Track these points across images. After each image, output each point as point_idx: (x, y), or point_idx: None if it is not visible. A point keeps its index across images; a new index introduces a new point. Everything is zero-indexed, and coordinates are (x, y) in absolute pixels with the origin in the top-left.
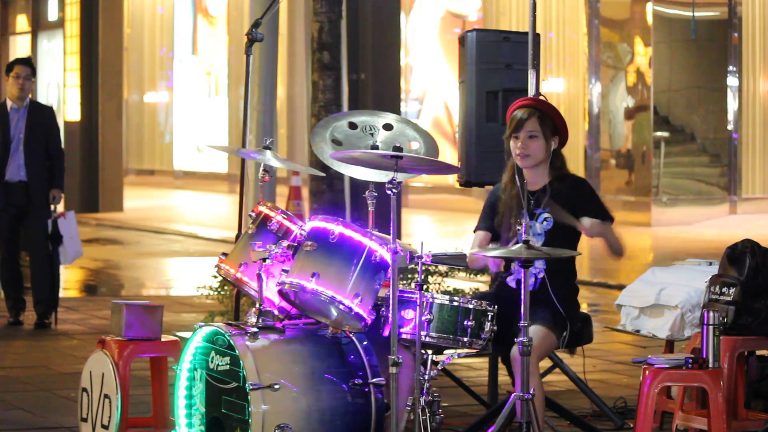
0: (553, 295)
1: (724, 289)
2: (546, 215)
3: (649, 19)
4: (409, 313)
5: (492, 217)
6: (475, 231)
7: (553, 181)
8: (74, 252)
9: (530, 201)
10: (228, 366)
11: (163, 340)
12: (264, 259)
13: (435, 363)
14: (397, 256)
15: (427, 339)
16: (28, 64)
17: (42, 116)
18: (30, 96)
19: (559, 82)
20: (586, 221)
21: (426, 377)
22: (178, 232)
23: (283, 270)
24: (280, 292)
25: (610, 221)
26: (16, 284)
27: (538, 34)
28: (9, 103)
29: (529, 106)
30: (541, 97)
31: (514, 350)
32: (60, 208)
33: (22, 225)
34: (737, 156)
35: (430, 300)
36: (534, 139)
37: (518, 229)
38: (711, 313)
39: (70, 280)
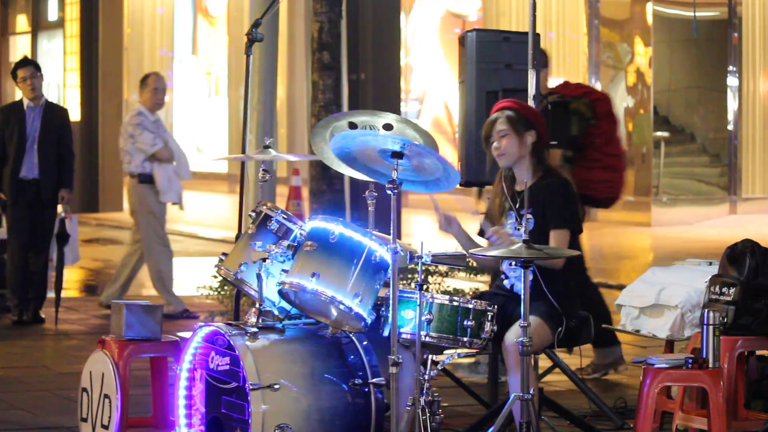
0: (548, 291)
1: (724, 289)
2: (528, 216)
3: (649, 19)
4: (409, 313)
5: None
6: (478, 234)
7: (537, 180)
8: (74, 255)
9: (516, 201)
10: (228, 366)
11: (163, 340)
12: (264, 259)
13: (435, 363)
14: (397, 256)
15: (427, 339)
16: (30, 64)
17: (57, 117)
18: (45, 97)
19: (559, 82)
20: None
21: (426, 377)
22: (178, 232)
23: (283, 270)
24: (280, 292)
25: (565, 228)
26: (25, 284)
27: (538, 34)
28: (25, 102)
29: (497, 110)
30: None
31: (507, 341)
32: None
33: (29, 223)
34: (737, 156)
35: (430, 300)
36: (505, 137)
37: (509, 231)
38: (711, 313)
39: (70, 280)
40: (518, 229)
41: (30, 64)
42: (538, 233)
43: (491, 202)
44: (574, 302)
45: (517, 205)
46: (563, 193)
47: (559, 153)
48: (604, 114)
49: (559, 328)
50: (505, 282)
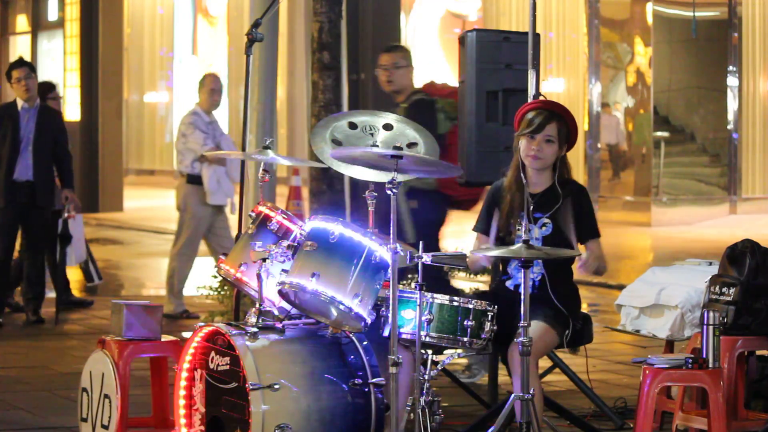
0: (553, 294)
1: (724, 289)
2: (546, 221)
3: (649, 19)
4: (409, 313)
5: (490, 216)
6: (473, 229)
7: (554, 185)
8: (78, 255)
9: (531, 204)
10: (228, 366)
11: (163, 340)
12: (264, 259)
13: (435, 363)
14: (397, 256)
15: (427, 339)
16: (24, 65)
17: (51, 119)
18: (39, 99)
19: (559, 82)
20: (589, 255)
21: (426, 377)
22: None
23: (283, 270)
24: (280, 292)
25: (597, 237)
26: (5, 287)
27: (538, 34)
28: (20, 103)
29: (550, 111)
30: (541, 98)
31: (513, 348)
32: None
33: (23, 225)
34: (737, 156)
35: (430, 300)
36: (550, 144)
37: (518, 231)
38: (711, 313)
39: (70, 280)
40: (527, 231)
41: (25, 65)
42: (555, 238)
43: (502, 200)
44: (578, 302)
45: (531, 208)
46: (587, 202)
47: None
48: None
49: (567, 331)
50: (508, 283)
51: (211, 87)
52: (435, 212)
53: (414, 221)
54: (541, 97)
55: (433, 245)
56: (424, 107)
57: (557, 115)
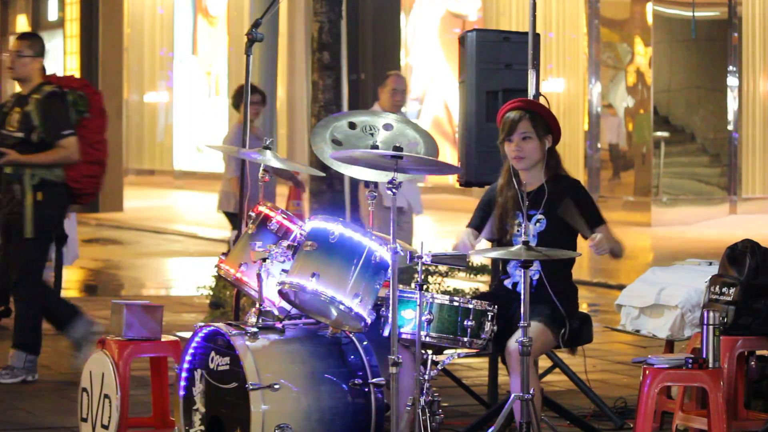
0: (552, 293)
1: (724, 289)
2: (540, 217)
3: (649, 19)
4: (409, 313)
5: (483, 215)
6: (467, 226)
7: (548, 181)
8: (73, 254)
9: (524, 202)
10: (228, 366)
11: (163, 340)
12: (264, 259)
13: (435, 363)
14: (397, 256)
15: (427, 339)
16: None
17: None
18: None
19: (559, 82)
20: (597, 236)
21: (426, 377)
22: (178, 232)
23: (283, 270)
24: (280, 292)
25: (604, 224)
26: (5, 293)
27: (538, 34)
28: None
29: (519, 108)
30: (541, 98)
31: (510, 346)
32: None
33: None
34: (737, 156)
35: (430, 300)
36: (528, 140)
37: (516, 231)
38: (711, 313)
39: (70, 280)
40: (515, 234)
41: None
42: (550, 233)
43: (501, 201)
44: (576, 302)
45: (526, 204)
46: (585, 193)
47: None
48: (97, 109)
49: (563, 330)
50: (506, 282)
51: (393, 87)
52: (57, 205)
53: (35, 214)
54: (541, 98)
55: (47, 237)
56: (57, 99)
57: (528, 110)
